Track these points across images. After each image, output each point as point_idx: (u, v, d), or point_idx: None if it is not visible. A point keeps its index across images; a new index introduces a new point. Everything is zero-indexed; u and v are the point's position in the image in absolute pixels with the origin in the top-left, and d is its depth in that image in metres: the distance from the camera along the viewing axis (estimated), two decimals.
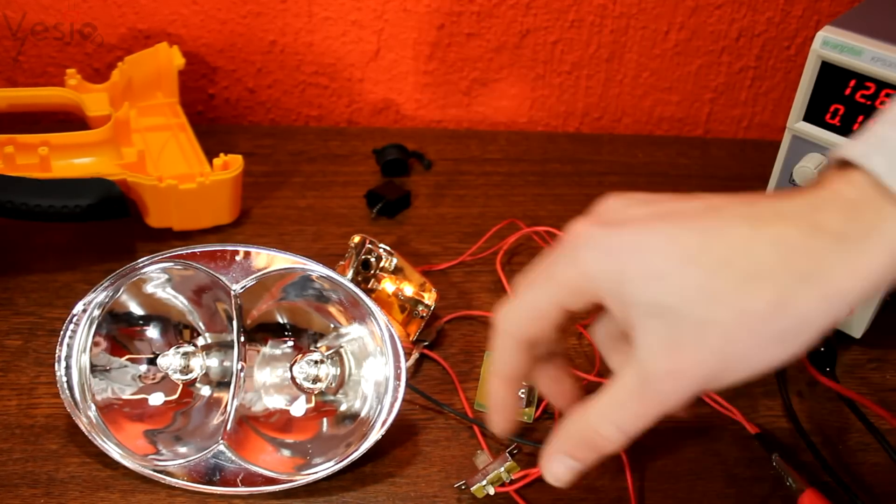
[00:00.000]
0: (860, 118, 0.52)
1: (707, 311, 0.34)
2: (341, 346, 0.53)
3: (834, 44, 0.52)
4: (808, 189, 0.36)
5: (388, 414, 0.49)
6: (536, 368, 0.42)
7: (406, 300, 0.58)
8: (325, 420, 0.52)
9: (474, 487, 0.48)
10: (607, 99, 0.85)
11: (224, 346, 0.53)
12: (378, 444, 0.49)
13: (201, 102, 0.81)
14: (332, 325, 0.54)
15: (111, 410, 0.51)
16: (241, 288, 0.52)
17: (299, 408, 0.53)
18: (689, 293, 0.35)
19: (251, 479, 0.49)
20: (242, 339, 0.52)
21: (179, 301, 0.53)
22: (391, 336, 0.50)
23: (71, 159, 0.64)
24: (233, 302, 0.51)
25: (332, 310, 0.53)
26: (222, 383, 0.53)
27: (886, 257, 0.33)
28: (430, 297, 0.58)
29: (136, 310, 0.53)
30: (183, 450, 0.50)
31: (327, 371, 0.52)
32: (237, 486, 0.49)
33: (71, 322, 0.50)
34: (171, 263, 0.52)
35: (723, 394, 0.56)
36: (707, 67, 0.84)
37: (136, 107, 0.72)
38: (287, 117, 0.83)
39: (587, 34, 0.81)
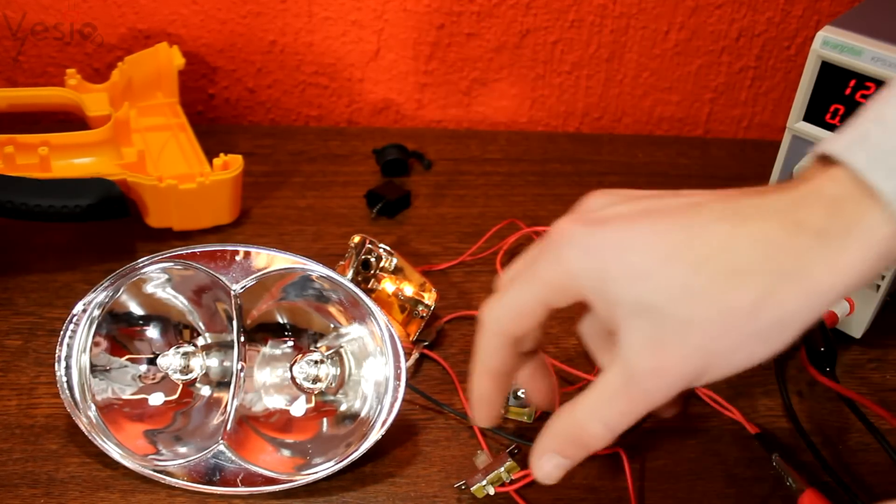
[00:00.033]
0: None
1: (690, 310, 0.35)
2: (341, 346, 0.53)
3: (834, 44, 0.52)
4: (791, 184, 0.36)
5: (388, 414, 0.49)
6: (518, 364, 0.42)
7: (406, 300, 0.58)
8: (325, 420, 0.52)
9: (474, 487, 0.48)
10: (607, 99, 0.85)
11: (224, 346, 0.53)
12: (378, 444, 0.49)
13: (201, 102, 0.81)
14: (332, 325, 0.54)
15: (111, 410, 0.51)
16: (241, 288, 0.52)
17: (299, 408, 0.53)
18: (672, 292, 0.35)
19: (251, 479, 0.49)
20: (242, 339, 0.52)
21: (179, 301, 0.53)
22: (391, 336, 0.50)
23: (71, 159, 0.64)
24: (233, 302, 0.51)
25: (332, 310, 0.53)
26: (222, 383, 0.53)
27: (867, 253, 0.34)
28: (430, 297, 0.58)
29: (136, 310, 0.53)
30: (183, 450, 0.50)
31: (327, 371, 0.52)
32: (237, 486, 0.49)
33: (71, 322, 0.50)
34: (171, 263, 0.52)
35: (723, 394, 0.56)
36: (707, 67, 0.84)
37: (136, 107, 0.72)
38: (287, 117, 0.83)
39: (587, 34, 0.81)
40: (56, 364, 0.50)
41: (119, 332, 0.52)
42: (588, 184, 0.76)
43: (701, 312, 0.34)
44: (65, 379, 0.50)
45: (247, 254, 0.52)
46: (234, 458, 0.49)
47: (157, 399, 0.52)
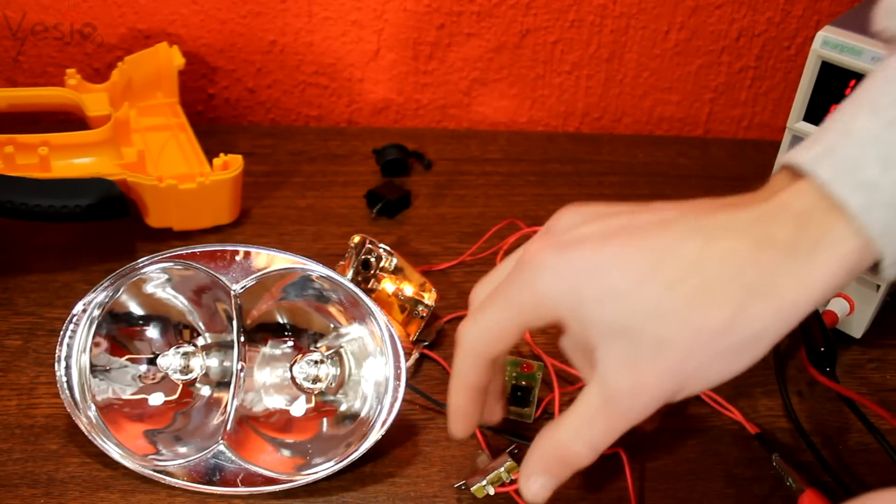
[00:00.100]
0: None
1: (663, 330, 0.35)
2: (341, 346, 0.53)
3: (834, 44, 0.52)
4: (759, 197, 0.37)
5: (388, 414, 0.49)
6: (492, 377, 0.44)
7: (406, 300, 0.58)
8: (325, 420, 0.52)
9: (474, 487, 0.48)
10: (607, 99, 0.85)
11: (224, 346, 0.53)
12: (378, 444, 0.49)
13: (201, 102, 0.81)
14: (332, 325, 0.54)
15: (111, 410, 0.51)
16: (241, 288, 0.52)
17: (299, 408, 0.53)
18: (645, 312, 0.35)
19: (251, 479, 0.49)
20: (242, 339, 0.52)
21: (179, 301, 0.53)
22: (391, 336, 0.50)
23: (71, 159, 0.64)
24: (233, 302, 0.51)
25: (332, 310, 0.53)
26: (222, 383, 0.53)
27: (835, 268, 0.34)
28: (430, 297, 0.58)
29: (136, 310, 0.53)
30: (183, 450, 0.50)
31: (327, 371, 0.53)
32: (237, 486, 0.49)
33: (71, 322, 0.50)
34: (171, 263, 0.52)
35: (723, 394, 0.56)
36: (707, 67, 0.84)
37: (136, 107, 0.72)
38: (287, 117, 0.83)
39: (587, 34, 0.81)
40: (56, 364, 0.50)
41: (119, 332, 0.52)
42: (588, 184, 0.76)
43: (675, 332, 0.35)
44: (65, 379, 0.50)
45: (247, 254, 0.52)
46: (234, 458, 0.49)
47: (157, 399, 0.52)
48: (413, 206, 0.72)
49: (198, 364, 0.53)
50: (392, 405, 0.50)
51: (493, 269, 0.44)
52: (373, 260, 0.57)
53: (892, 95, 0.35)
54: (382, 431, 0.49)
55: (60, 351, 0.50)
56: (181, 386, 0.53)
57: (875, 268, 0.35)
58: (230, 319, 0.52)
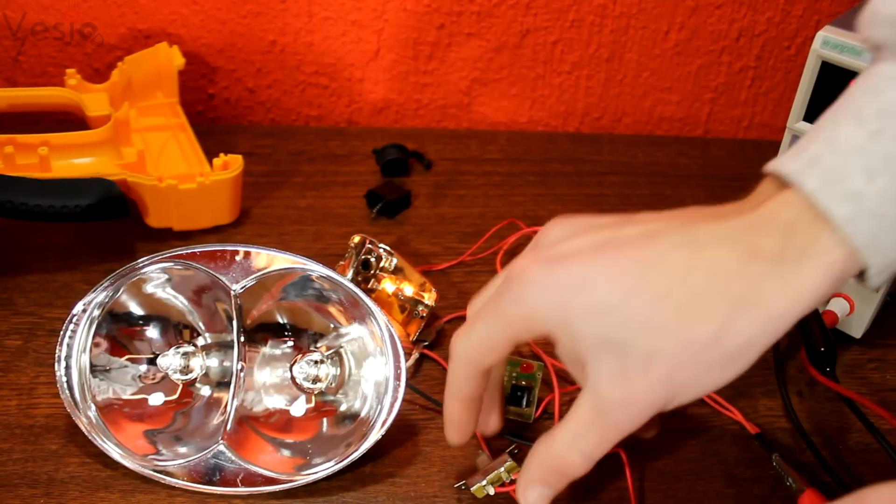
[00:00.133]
0: None
1: (652, 342, 0.36)
2: (341, 346, 0.53)
3: (834, 44, 0.52)
4: (746, 206, 0.37)
5: (388, 414, 0.49)
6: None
7: (406, 300, 0.58)
8: (325, 420, 0.52)
9: (474, 487, 0.48)
10: (607, 99, 0.85)
11: (224, 346, 0.53)
12: (378, 444, 0.49)
13: (201, 102, 0.81)
14: (332, 325, 0.54)
15: (111, 410, 0.51)
16: (241, 288, 0.52)
17: (299, 408, 0.53)
18: (633, 326, 0.36)
19: (251, 479, 0.49)
20: (242, 339, 0.52)
21: (179, 301, 0.53)
22: (391, 336, 0.50)
23: (71, 159, 0.64)
24: (233, 302, 0.51)
25: (332, 310, 0.53)
26: (222, 383, 0.53)
27: (821, 278, 0.35)
28: (430, 297, 0.58)
29: (136, 310, 0.53)
30: (183, 450, 0.50)
31: (327, 371, 0.53)
32: (237, 486, 0.49)
33: (71, 322, 0.50)
34: (171, 263, 0.52)
35: (723, 394, 0.56)
36: (707, 67, 0.84)
37: (135, 107, 0.72)
38: (287, 117, 0.83)
39: (587, 34, 0.81)
40: (56, 364, 0.50)
41: (119, 332, 0.52)
42: (588, 184, 0.76)
43: (663, 345, 0.36)
44: (65, 379, 0.50)
45: (247, 254, 0.52)
46: (234, 458, 0.49)
47: (157, 399, 0.52)
48: (413, 206, 0.72)
49: (198, 364, 0.53)
50: (392, 405, 0.50)
51: (489, 282, 0.45)
52: (373, 260, 0.57)
53: (876, 105, 0.35)
54: (382, 431, 0.49)
55: (60, 351, 0.50)
56: (181, 386, 0.53)
57: (861, 276, 0.36)
58: (230, 319, 0.52)
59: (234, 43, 0.79)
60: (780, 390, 0.56)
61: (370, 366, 0.52)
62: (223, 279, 0.51)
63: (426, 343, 0.58)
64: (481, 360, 0.42)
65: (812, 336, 0.55)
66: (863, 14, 0.38)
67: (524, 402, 0.54)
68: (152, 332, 0.53)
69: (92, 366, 0.51)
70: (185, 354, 0.52)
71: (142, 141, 0.69)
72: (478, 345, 0.41)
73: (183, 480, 0.49)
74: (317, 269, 0.52)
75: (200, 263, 0.52)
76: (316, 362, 0.52)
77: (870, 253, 0.34)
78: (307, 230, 0.69)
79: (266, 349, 0.54)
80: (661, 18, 0.80)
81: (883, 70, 0.36)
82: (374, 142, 0.77)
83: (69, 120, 0.69)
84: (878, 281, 0.36)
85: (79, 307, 0.51)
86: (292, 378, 0.53)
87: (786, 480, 0.50)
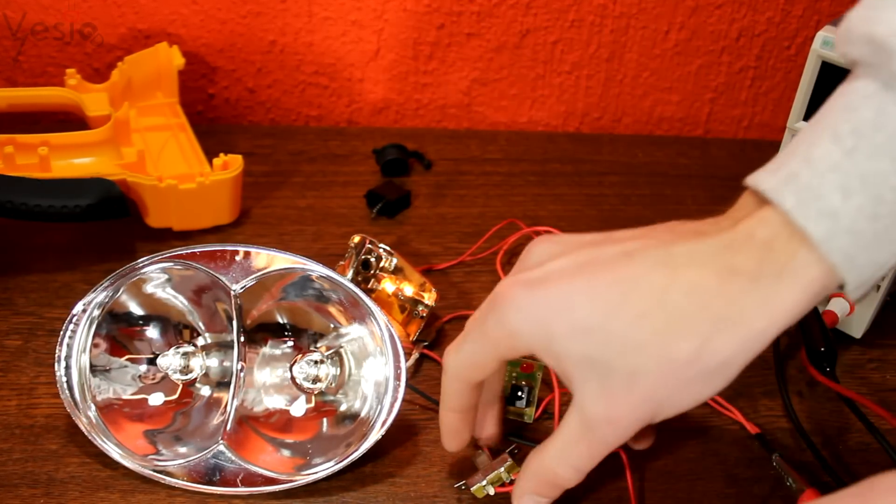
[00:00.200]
0: None
1: (634, 362, 0.36)
2: (341, 346, 0.53)
3: (834, 44, 0.52)
4: (724, 224, 0.37)
5: (388, 414, 0.49)
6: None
7: (406, 300, 0.58)
8: (325, 420, 0.52)
9: (474, 487, 0.48)
10: (607, 99, 0.85)
11: (224, 346, 0.53)
12: (378, 444, 0.49)
13: (201, 102, 0.81)
14: (332, 325, 0.54)
15: (111, 410, 0.51)
16: (241, 288, 0.52)
17: (299, 408, 0.53)
18: (615, 346, 0.37)
19: (251, 479, 0.49)
20: (242, 339, 0.52)
21: (179, 301, 0.53)
22: (391, 336, 0.50)
23: (71, 159, 0.64)
24: (233, 302, 0.51)
25: (332, 310, 0.53)
26: (222, 383, 0.53)
27: (800, 294, 0.35)
28: (430, 297, 0.58)
29: (136, 310, 0.53)
30: (183, 450, 0.50)
31: (327, 371, 0.53)
32: (237, 486, 0.49)
33: (71, 322, 0.50)
34: (171, 263, 0.52)
35: (723, 394, 0.55)
36: (707, 67, 0.84)
37: (135, 107, 0.72)
38: (287, 117, 0.83)
39: (587, 34, 0.81)
40: (56, 364, 0.50)
41: (119, 332, 0.52)
42: (588, 184, 0.76)
43: (644, 364, 0.36)
44: (65, 379, 0.50)
45: (247, 254, 0.52)
46: (234, 458, 0.49)
47: (157, 399, 0.52)
48: (413, 206, 0.72)
49: (198, 364, 0.53)
50: (392, 405, 0.50)
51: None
52: (373, 260, 0.57)
53: (852, 123, 0.35)
54: (382, 431, 0.49)
55: (60, 351, 0.50)
56: (181, 386, 0.53)
57: (842, 288, 0.36)
58: (230, 319, 0.52)
59: (234, 43, 0.79)
60: (780, 390, 0.56)
61: (370, 366, 0.52)
62: (223, 279, 0.51)
63: (426, 343, 0.58)
64: (470, 377, 0.43)
65: (812, 336, 0.55)
66: (839, 30, 0.38)
67: (524, 402, 0.54)
68: (152, 332, 0.53)
69: (92, 366, 0.51)
70: (185, 354, 0.52)
71: (142, 141, 0.69)
72: (466, 362, 0.43)
73: (183, 480, 0.49)
74: (317, 269, 0.52)
75: (200, 263, 0.52)
76: (316, 362, 0.52)
77: (847, 269, 0.35)
78: (307, 230, 0.69)
79: (266, 349, 0.54)
80: (661, 18, 0.80)
81: (857, 88, 0.36)
82: (374, 142, 0.77)
83: (69, 120, 0.69)
84: (857, 295, 0.36)
85: (79, 307, 0.51)
86: (292, 378, 0.53)
87: (786, 480, 0.50)
